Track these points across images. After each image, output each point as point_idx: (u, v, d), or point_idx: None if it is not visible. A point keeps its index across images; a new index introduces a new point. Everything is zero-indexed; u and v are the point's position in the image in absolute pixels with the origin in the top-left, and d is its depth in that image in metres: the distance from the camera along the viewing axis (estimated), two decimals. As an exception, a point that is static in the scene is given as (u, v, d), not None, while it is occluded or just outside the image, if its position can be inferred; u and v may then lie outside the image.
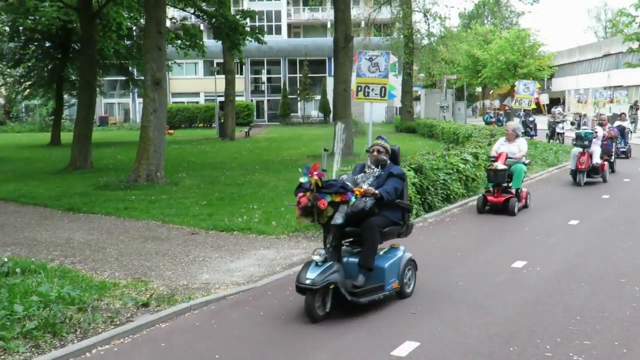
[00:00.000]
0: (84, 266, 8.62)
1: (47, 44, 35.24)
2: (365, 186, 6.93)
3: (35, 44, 35.54)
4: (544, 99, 52.86)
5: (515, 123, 13.69)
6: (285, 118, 58.85)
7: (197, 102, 61.23)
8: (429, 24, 44.03)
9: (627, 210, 13.01)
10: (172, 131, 43.64)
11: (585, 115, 27.86)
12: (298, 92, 59.66)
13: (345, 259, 6.87)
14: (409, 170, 11.86)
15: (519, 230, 11.06)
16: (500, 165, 12.58)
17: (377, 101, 14.39)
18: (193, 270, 8.46)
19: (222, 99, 39.85)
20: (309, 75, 59.45)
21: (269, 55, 61.10)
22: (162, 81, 17.13)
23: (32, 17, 28.45)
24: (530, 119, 33.99)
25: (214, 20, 25.02)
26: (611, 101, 36.99)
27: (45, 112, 54.52)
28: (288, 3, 71.20)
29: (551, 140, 29.35)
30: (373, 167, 7.22)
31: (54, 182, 18.06)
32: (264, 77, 65.36)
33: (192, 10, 26.47)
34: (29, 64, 37.25)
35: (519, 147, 13.24)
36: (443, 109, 46.97)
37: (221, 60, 41.94)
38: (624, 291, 7.34)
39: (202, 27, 49.34)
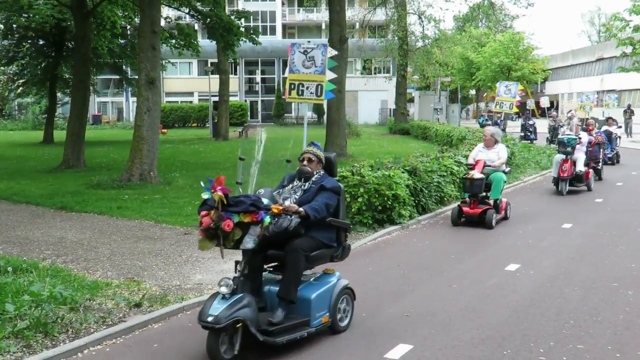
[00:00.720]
0: (76, 265, 8.57)
1: (41, 42, 35.10)
2: (289, 202, 6.01)
3: (29, 41, 35.37)
4: (545, 102, 53.09)
5: (494, 128, 12.72)
6: (279, 118, 58.85)
7: (190, 102, 61.21)
8: (423, 26, 44.11)
9: (620, 214, 13.05)
10: (165, 130, 43.59)
11: (569, 119, 27.60)
12: (292, 92, 59.61)
13: (266, 288, 5.93)
14: (403, 172, 11.86)
15: (512, 234, 11.08)
16: (477, 174, 11.62)
17: (312, 101, 12.85)
18: (186, 270, 8.43)
19: (216, 98, 39.82)
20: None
21: (264, 56, 61.16)
22: (156, 80, 17.08)
23: (26, 15, 28.33)
24: (530, 122, 33.62)
25: (208, 20, 24.98)
26: (597, 105, 36.83)
27: (38, 110, 54.35)
28: (283, 4, 71.22)
29: (552, 145, 28.69)
30: (302, 178, 6.30)
31: (46, 180, 17.98)
32: (258, 77, 65.38)
33: (186, 10, 26.41)
34: (23, 62, 37.09)
35: (498, 154, 12.22)
36: (437, 111, 47.02)
37: (215, 60, 41.91)
38: (617, 295, 7.35)
39: (196, 27, 49.24)
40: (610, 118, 26.36)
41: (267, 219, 5.42)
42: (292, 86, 12.45)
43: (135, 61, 24.78)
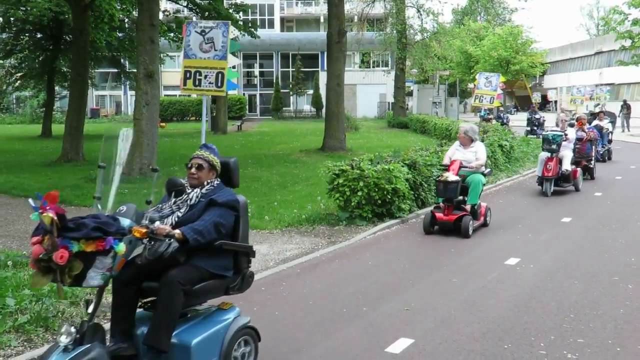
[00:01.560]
0: (76, 260, 8.55)
1: (39, 35, 35.00)
2: (169, 221, 4.76)
3: (27, 35, 35.29)
4: (537, 98, 52.93)
5: (470, 125, 11.39)
6: (277, 112, 58.84)
7: (189, 96, 61.04)
8: (422, 20, 44.10)
9: (619, 207, 13.05)
10: (164, 124, 43.51)
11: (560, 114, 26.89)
12: (290, 86, 59.63)
13: (139, 330, 4.59)
14: (402, 166, 11.84)
15: (512, 227, 11.07)
16: (451, 176, 10.34)
17: (211, 93, 10.98)
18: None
19: (215, 92, 39.69)
20: (302, 69, 59.40)
21: (262, 49, 61.05)
22: (154, 74, 17.05)
23: (24, 8, 28.22)
24: (537, 116, 32.01)
25: (206, 13, 24.93)
26: (591, 98, 35.93)
27: (36, 103, 54.23)
28: (281, -3, 71.10)
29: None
30: (189, 190, 4.97)
31: (45, 174, 17.97)
32: (256, 70, 65.28)
33: (185, 3, 26.35)
34: (20, 55, 37.00)
35: (476, 153, 10.87)
36: (435, 105, 46.99)
37: (214, 54, 41.75)
38: (617, 289, 7.35)
39: (194, 20, 49.09)
40: (601, 112, 24.96)
41: (121, 247, 4.06)
42: (188, 74, 10.62)
43: (134, 54, 24.75)
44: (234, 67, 9.19)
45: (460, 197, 10.53)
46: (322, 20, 66.19)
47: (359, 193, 10.89)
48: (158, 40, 18.16)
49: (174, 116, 55.35)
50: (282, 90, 59.83)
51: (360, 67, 61.64)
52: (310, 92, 59.67)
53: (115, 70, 43.41)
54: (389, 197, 11.08)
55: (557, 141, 14.51)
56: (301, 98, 60.58)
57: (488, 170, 11.43)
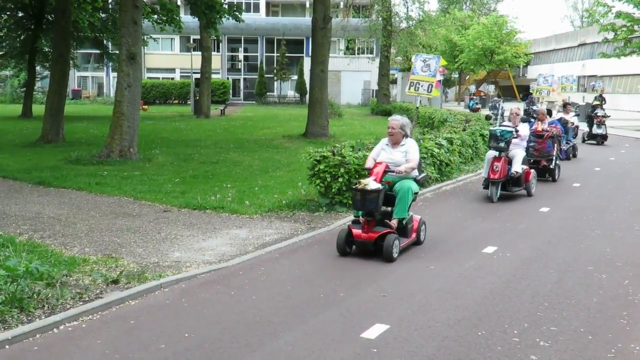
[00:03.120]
0: (54, 241, 8.52)
1: (20, 14, 34.54)
2: None
3: (8, 13, 34.79)
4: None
5: (402, 118, 9.06)
6: (261, 97, 58.62)
7: (172, 79, 60.67)
8: (407, 8, 44.06)
9: (597, 199, 13.18)
10: (146, 107, 43.23)
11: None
12: (275, 71, 59.40)
13: None
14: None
15: (491, 216, 11.14)
16: (372, 183, 8.16)
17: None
18: (164, 248, 8.41)
19: (198, 75, 39.54)
20: (286, 55, 59.18)
21: (247, 33, 60.72)
22: (137, 56, 16.93)
23: (5, -14, 27.87)
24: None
25: (191, -4, 24.68)
26: (555, 90, 33.54)
27: (17, 83, 53.58)
28: (267, -19, 70.61)
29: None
30: None
31: (24, 155, 17.80)
32: (241, 55, 64.91)
33: (169, -15, 26.09)
34: (1, 34, 36.50)
35: (407, 153, 8.74)
36: (419, 93, 46.90)
37: (198, 37, 41.55)
38: (591, 279, 7.45)
39: (179, 2, 48.72)
40: (568, 104, 23.20)
41: None
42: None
43: (117, 36, 24.46)
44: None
45: (388, 209, 8.62)
46: (307, 5, 65.88)
47: (340, 179, 10.90)
48: (141, 22, 18.00)
49: (157, 99, 54.95)
50: (266, 76, 59.59)
51: (345, 53, 61.52)
52: (295, 77, 59.50)
53: (98, 52, 43.08)
54: (370, 184, 11.09)
55: (506, 138, 12.62)
56: (285, 83, 60.42)
57: (422, 175, 9.18)
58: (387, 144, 8.93)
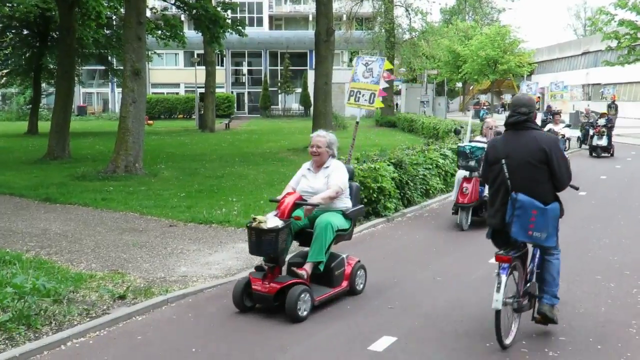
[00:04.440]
0: (60, 257, 8.53)
1: (25, 32, 34.79)
2: None
3: (13, 31, 35.05)
4: (508, 99, 52.31)
5: (328, 134, 7.26)
6: (265, 110, 58.76)
7: (177, 93, 60.89)
8: (410, 19, 44.23)
9: (604, 207, 13.13)
10: (151, 122, 43.39)
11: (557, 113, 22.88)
12: (279, 84, 59.58)
13: None
14: (388, 165, 11.84)
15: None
16: (271, 220, 6.37)
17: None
18: (171, 262, 8.41)
19: (202, 90, 39.69)
20: (290, 68, 59.35)
21: (250, 47, 60.92)
22: (141, 71, 17.00)
23: (10, 5, 28.01)
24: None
25: (194, 11, 24.84)
26: (543, 97, 31.38)
27: (22, 100, 53.86)
28: (270, -5, 70.95)
29: (583, 146, 25.58)
30: None
31: (30, 172, 17.86)
32: (244, 69, 65.18)
33: (172, 1, 26.24)
34: (7, 52, 36.75)
35: (330, 177, 6.93)
36: (423, 104, 47.06)
37: (202, 52, 41.68)
38: (600, 288, 7.41)
39: (182, 18, 48.99)
40: (556, 113, 22.33)
41: None
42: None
43: (121, 52, 24.60)
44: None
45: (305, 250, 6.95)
46: (310, 18, 66.09)
47: (345, 192, 10.87)
48: (145, 37, 18.09)
49: (162, 114, 55.16)
50: (270, 89, 59.77)
51: (348, 65, 61.62)
52: (299, 90, 59.66)
53: (103, 68, 43.22)
54: (375, 195, 11.11)
55: (477, 156, 10.71)
56: (289, 96, 60.59)
57: (357, 208, 7.23)
58: (309, 169, 7.23)
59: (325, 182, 6.94)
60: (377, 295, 7.10)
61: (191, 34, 33.35)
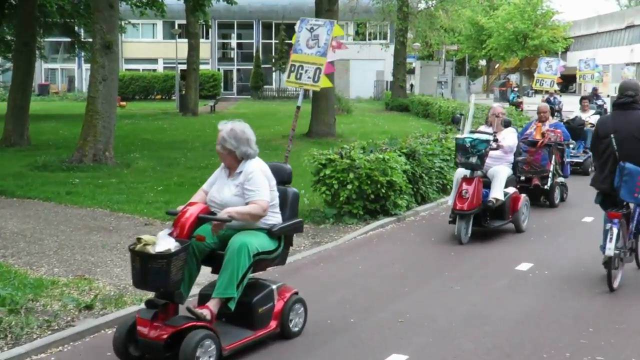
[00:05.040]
0: (17, 260, 8.54)
1: (-22, -2, 34.73)
2: None
3: (-36, -3, 34.99)
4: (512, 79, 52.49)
5: (239, 124, 5.99)
6: (257, 91, 58.60)
7: (154, 70, 60.84)
8: (426, -15, 44.09)
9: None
10: (124, 103, 43.33)
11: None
12: (273, 61, 59.44)
13: None
14: (399, 156, 11.83)
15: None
16: (162, 241, 5.37)
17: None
18: (146, 267, 8.40)
19: (184, 67, 39.63)
20: (286, 41, 59.18)
21: (240, 17, 60.89)
22: (113, 45, 16.98)
23: (-39, -35, 28.00)
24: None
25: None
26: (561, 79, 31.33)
27: (-26, 77, 53.91)
28: (263, -44, 70.83)
29: None
30: None
31: (-17, 160, 17.87)
32: (233, 42, 65.22)
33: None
34: (-44, 21, 36.71)
35: (247, 189, 5.85)
36: (441, 85, 47.06)
37: (184, 22, 41.66)
38: (643, 300, 7.44)
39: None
40: (584, 98, 20.66)
41: None
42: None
43: (90, 22, 24.59)
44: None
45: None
46: (310, -16, 66.07)
47: (349, 186, 10.89)
48: (118, 5, 18.07)
49: (137, 94, 55.09)
50: (263, 66, 59.63)
51: (354, 39, 61.54)
52: (296, 68, 59.57)
53: (68, 40, 43.11)
54: (384, 191, 11.09)
55: (480, 150, 9.93)
56: (285, 75, 60.55)
57: (292, 222, 6.30)
58: (221, 172, 6.21)
59: (235, 193, 5.88)
60: (385, 307, 7.11)
61: (171, 2, 33.24)
